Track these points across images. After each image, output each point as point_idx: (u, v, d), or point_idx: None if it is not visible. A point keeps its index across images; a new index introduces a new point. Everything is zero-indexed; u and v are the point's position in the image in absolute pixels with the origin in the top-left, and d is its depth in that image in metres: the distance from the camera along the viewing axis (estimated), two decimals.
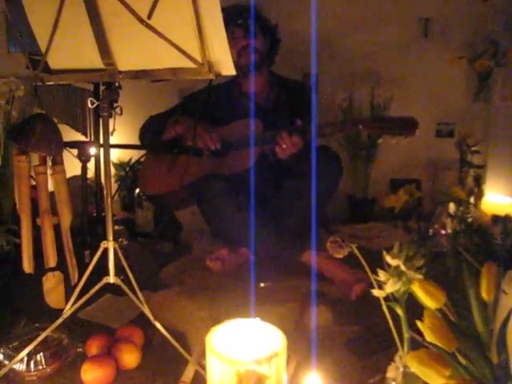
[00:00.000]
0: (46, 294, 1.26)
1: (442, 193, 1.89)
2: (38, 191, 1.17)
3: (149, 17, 0.97)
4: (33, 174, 1.19)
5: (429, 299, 0.85)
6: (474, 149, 2.23)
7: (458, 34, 2.38)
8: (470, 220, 1.66)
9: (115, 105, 1.16)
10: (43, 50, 1.15)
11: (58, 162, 1.20)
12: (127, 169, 2.34)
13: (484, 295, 0.86)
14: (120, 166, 2.37)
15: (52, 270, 1.24)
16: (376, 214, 2.47)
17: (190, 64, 0.99)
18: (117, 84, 1.11)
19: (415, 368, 0.68)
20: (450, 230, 1.55)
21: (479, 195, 2.04)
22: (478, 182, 2.15)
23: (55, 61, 1.17)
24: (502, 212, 1.74)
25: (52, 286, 1.25)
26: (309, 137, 1.62)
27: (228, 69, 0.99)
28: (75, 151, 1.69)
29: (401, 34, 2.44)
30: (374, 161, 2.46)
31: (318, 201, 1.52)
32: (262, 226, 1.64)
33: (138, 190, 2.07)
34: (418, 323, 0.76)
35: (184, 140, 1.81)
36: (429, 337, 0.73)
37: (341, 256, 0.99)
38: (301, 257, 1.67)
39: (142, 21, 0.98)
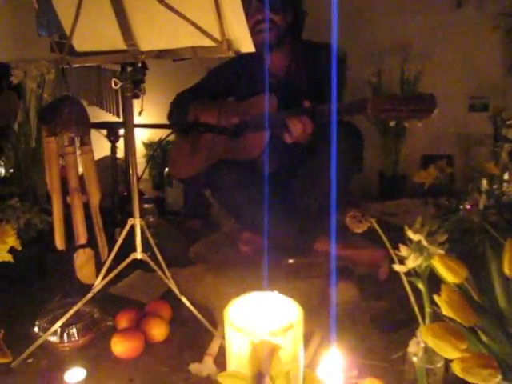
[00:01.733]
0: (78, 270, 1.32)
1: (475, 169, 1.83)
2: (68, 171, 1.22)
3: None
4: (62, 154, 1.23)
5: (450, 274, 0.84)
6: (509, 122, 2.15)
7: (492, 5, 2.27)
8: (501, 196, 1.63)
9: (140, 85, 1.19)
10: (68, 32, 1.18)
11: (85, 143, 1.25)
12: (156, 147, 2.39)
13: (506, 270, 0.84)
14: (150, 145, 2.42)
15: (83, 246, 1.29)
16: (407, 190, 2.44)
17: (209, 42, 1.00)
18: (140, 64, 1.13)
19: (429, 341, 0.68)
20: (481, 207, 1.52)
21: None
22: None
23: (80, 43, 1.20)
24: None
25: (83, 262, 1.30)
26: (320, 118, 1.56)
27: (248, 46, 0.99)
28: (105, 131, 1.73)
29: (433, 4, 2.35)
30: (405, 136, 2.41)
31: (337, 182, 1.50)
32: (275, 216, 1.60)
33: (167, 170, 2.11)
34: (435, 297, 0.76)
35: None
36: (446, 311, 0.73)
37: (360, 231, 0.99)
38: (315, 244, 1.65)
39: (161, 0, 0.99)
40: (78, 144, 1.25)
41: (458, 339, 0.67)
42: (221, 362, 1.13)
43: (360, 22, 2.32)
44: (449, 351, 0.67)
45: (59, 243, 1.26)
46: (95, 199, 1.27)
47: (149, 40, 1.10)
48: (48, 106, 1.25)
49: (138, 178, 1.23)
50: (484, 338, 0.78)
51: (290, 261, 1.65)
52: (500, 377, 0.66)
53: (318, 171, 1.61)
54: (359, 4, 2.22)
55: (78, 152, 1.26)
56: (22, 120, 1.92)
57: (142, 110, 1.26)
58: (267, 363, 0.61)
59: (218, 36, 0.98)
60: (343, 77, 1.83)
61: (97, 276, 1.26)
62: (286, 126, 1.51)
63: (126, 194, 1.88)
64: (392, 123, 1.36)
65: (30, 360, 1.15)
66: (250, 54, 1.51)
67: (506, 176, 1.97)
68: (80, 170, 1.32)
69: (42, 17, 1.30)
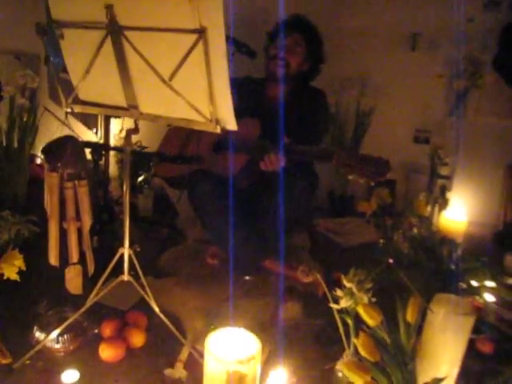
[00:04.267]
0: (68, 283, 1.57)
1: (408, 209, 2.20)
2: (66, 202, 1.46)
3: (170, 79, 1.24)
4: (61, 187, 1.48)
5: (369, 319, 1.19)
6: (443, 161, 2.54)
7: (442, 51, 2.64)
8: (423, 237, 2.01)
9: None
10: (75, 84, 1.41)
11: (82, 178, 1.49)
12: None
13: (409, 318, 1.20)
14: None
15: (73, 264, 1.55)
16: (353, 209, 2.81)
17: (201, 118, 1.27)
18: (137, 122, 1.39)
19: (345, 372, 1.02)
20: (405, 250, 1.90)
21: (444, 204, 2.38)
22: (444, 192, 2.48)
23: (84, 94, 1.43)
24: (457, 229, 2.09)
25: (73, 276, 1.56)
26: (293, 155, 1.85)
27: (232, 125, 1.27)
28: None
29: (391, 46, 2.69)
30: None
31: (291, 213, 1.82)
32: (237, 230, 1.87)
33: (140, 178, 2.36)
34: (354, 340, 1.10)
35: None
36: (360, 350, 1.07)
37: (307, 281, 1.33)
38: (264, 263, 1.97)
39: (164, 81, 1.25)
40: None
41: (365, 372, 1.02)
42: (190, 366, 1.45)
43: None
44: (358, 380, 1.02)
45: (53, 260, 1.51)
46: (87, 226, 1.53)
47: (148, 105, 1.34)
48: (52, 144, 1.47)
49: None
50: (389, 370, 1.14)
51: (247, 277, 1.97)
52: None
53: (277, 200, 1.93)
54: (323, 34, 2.52)
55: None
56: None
57: (122, 129, 1.52)
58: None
59: (208, 115, 1.26)
60: (328, 123, 2.15)
61: (83, 289, 1.55)
62: (264, 155, 1.80)
63: (102, 203, 2.11)
64: (350, 177, 1.63)
65: (27, 362, 1.42)
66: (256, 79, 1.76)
67: (436, 209, 2.37)
68: None
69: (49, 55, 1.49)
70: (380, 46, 2.70)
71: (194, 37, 1.13)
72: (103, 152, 1.90)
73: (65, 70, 1.45)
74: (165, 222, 2.34)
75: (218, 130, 1.27)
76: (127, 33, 1.22)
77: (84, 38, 1.29)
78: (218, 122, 1.27)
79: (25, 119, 2.07)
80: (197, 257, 2.09)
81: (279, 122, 2.00)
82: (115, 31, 1.22)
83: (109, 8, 1.20)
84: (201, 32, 1.12)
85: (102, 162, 1.98)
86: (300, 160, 1.88)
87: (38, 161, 2.58)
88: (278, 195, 1.90)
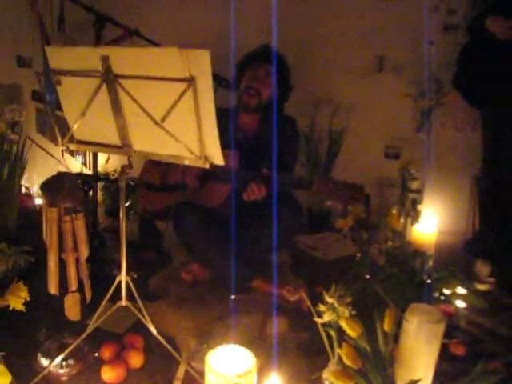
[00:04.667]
0: (67, 310, 1.68)
1: (382, 222, 2.37)
2: (65, 235, 1.58)
3: (162, 121, 1.38)
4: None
5: (350, 330, 1.34)
6: (413, 175, 2.73)
7: (407, 72, 2.85)
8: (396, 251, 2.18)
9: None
10: (70, 125, 1.53)
11: (78, 211, 1.61)
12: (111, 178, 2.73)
13: (386, 327, 1.36)
14: (104, 175, 2.75)
15: (72, 291, 1.66)
16: (331, 224, 2.98)
17: (190, 155, 1.41)
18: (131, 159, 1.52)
19: (331, 380, 1.17)
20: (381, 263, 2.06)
21: (416, 217, 2.56)
22: (415, 205, 2.66)
23: (79, 133, 1.55)
24: (428, 241, 2.27)
25: (72, 304, 1.67)
26: (272, 186, 1.98)
27: (219, 160, 1.41)
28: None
29: (359, 68, 2.89)
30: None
31: (277, 240, 1.97)
32: (225, 256, 2.01)
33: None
34: (338, 350, 1.25)
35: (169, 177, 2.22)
36: (344, 359, 1.22)
37: (293, 299, 1.47)
38: (253, 283, 2.12)
39: (156, 123, 1.38)
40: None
41: (349, 378, 1.17)
42: (187, 383, 1.57)
43: (297, 77, 2.80)
44: None
45: (53, 290, 1.61)
46: (84, 255, 1.64)
47: (141, 143, 1.47)
48: (50, 181, 1.59)
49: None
50: (370, 376, 1.29)
51: (233, 296, 2.11)
52: None
53: (262, 227, 2.08)
54: (296, 61, 2.69)
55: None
56: None
57: (108, 159, 1.64)
58: None
59: (197, 152, 1.40)
60: (299, 149, 2.30)
61: (81, 315, 1.66)
62: (246, 187, 1.94)
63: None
64: (329, 202, 1.83)
65: None
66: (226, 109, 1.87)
67: (408, 221, 2.55)
68: None
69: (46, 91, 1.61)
70: (349, 68, 2.89)
71: (184, 85, 1.28)
72: (93, 183, 2.01)
73: (59, 108, 1.57)
74: (151, 246, 2.46)
75: (207, 166, 1.42)
76: (122, 81, 1.35)
77: (80, 85, 1.42)
78: (206, 158, 1.41)
79: (14, 152, 2.17)
80: (180, 279, 2.22)
81: (255, 153, 2.16)
82: (110, 79, 1.35)
83: (104, 59, 1.33)
84: (190, 81, 1.27)
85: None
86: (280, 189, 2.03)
87: (23, 190, 2.67)
88: (264, 224, 2.05)
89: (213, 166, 1.41)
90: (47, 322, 1.79)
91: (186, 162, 1.43)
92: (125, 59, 1.33)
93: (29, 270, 1.94)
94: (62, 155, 2.07)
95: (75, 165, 2.40)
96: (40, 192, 1.84)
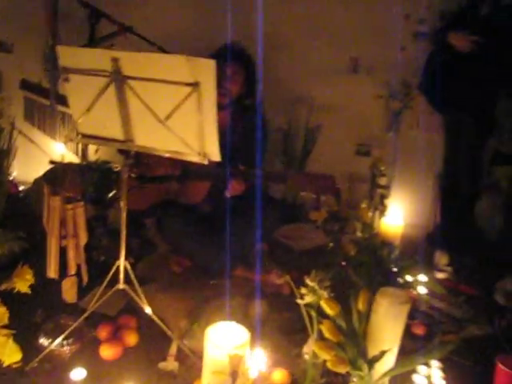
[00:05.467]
0: (65, 293, 1.83)
1: (352, 215, 2.61)
2: (67, 222, 1.72)
3: (166, 119, 1.54)
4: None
5: (329, 310, 1.55)
6: (382, 172, 2.98)
7: (380, 75, 3.08)
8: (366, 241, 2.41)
9: None
10: (76, 118, 1.66)
11: (79, 199, 1.75)
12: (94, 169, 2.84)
13: (360, 307, 1.58)
14: (88, 166, 2.86)
15: (71, 275, 1.81)
16: (304, 215, 3.20)
17: (190, 151, 1.58)
18: (133, 153, 1.67)
19: (316, 350, 1.38)
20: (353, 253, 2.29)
21: (383, 210, 2.81)
22: (383, 199, 2.91)
23: (84, 128, 1.68)
24: (395, 233, 2.51)
25: (69, 287, 1.82)
26: (251, 180, 2.12)
27: (217, 157, 1.58)
28: None
29: (335, 70, 3.11)
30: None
31: (259, 232, 2.16)
32: (208, 247, 2.20)
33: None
34: (320, 326, 1.46)
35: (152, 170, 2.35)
36: (325, 333, 1.44)
37: (280, 282, 1.68)
38: (234, 272, 2.30)
39: (160, 121, 1.54)
40: None
41: (330, 349, 1.38)
42: (179, 359, 1.75)
43: (274, 77, 2.99)
44: (325, 355, 1.38)
45: (53, 273, 1.76)
46: (83, 241, 1.79)
47: (143, 139, 1.63)
48: (53, 170, 1.72)
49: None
50: (347, 348, 1.50)
51: (212, 282, 2.29)
52: (349, 367, 1.39)
53: (243, 221, 2.25)
54: (273, 64, 2.87)
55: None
56: None
57: (98, 149, 1.79)
58: (237, 366, 1.25)
59: (197, 149, 1.56)
60: (267, 136, 2.47)
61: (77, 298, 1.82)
62: (227, 184, 2.10)
63: None
64: (303, 193, 2.00)
65: (35, 364, 1.66)
66: None
67: (377, 215, 2.79)
68: None
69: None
70: (325, 69, 3.10)
71: (189, 89, 1.44)
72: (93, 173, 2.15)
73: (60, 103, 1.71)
74: (136, 234, 2.60)
75: (206, 162, 1.58)
76: (130, 81, 1.50)
77: (88, 83, 1.56)
78: (205, 154, 1.58)
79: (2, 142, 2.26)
80: (169, 264, 2.39)
81: (229, 148, 2.31)
82: (119, 79, 1.50)
83: (115, 60, 1.48)
84: (195, 86, 1.44)
85: None
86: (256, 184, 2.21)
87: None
88: (245, 219, 2.23)
89: (210, 161, 1.58)
90: (43, 304, 1.92)
91: (185, 158, 1.60)
92: (134, 62, 1.48)
93: (21, 256, 2.06)
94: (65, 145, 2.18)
95: (64, 154, 2.51)
96: (41, 181, 1.95)
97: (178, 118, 1.52)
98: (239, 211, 2.25)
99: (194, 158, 1.58)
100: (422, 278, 2.41)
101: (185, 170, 2.27)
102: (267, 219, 2.26)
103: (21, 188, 2.78)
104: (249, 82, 2.40)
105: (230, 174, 2.10)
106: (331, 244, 2.69)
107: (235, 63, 2.33)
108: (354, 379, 1.54)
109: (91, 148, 2.46)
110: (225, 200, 2.17)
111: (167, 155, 1.62)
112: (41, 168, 2.36)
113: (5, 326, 1.66)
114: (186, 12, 3.14)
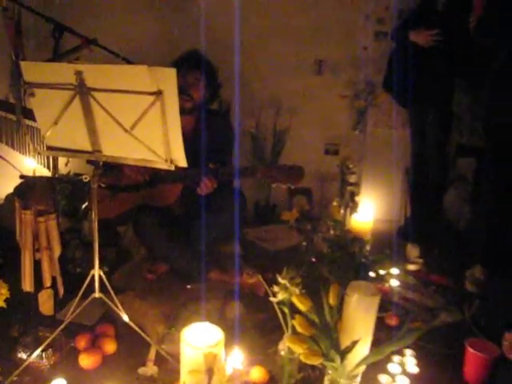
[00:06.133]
0: (41, 306, 1.84)
1: (324, 214, 2.69)
2: (39, 235, 1.74)
3: (131, 129, 1.58)
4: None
5: (301, 305, 1.61)
6: (351, 170, 3.07)
7: (344, 75, 3.18)
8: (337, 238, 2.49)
9: None
10: (43, 132, 1.69)
11: (50, 212, 1.78)
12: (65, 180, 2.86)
13: (331, 301, 1.64)
14: (58, 178, 2.87)
15: (47, 288, 1.83)
16: (276, 217, 3.27)
17: (157, 159, 1.63)
18: (101, 163, 1.71)
19: (289, 344, 1.45)
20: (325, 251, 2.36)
21: (354, 208, 2.90)
22: (353, 197, 3.01)
23: (51, 140, 1.71)
24: (365, 229, 2.60)
25: (46, 299, 1.84)
26: (221, 177, 2.23)
27: (182, 162, 1.63)
28: None
29: (300, 72, 3.19)
30: None
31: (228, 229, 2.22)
32: (182, 250, 2.27)
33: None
34: (292, 321, 1.53)
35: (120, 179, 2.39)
36: (298, 327, 1.50)
37: (252, 281, 1.73)
38: (209, 275, 2.36)
39: (126, 131, 1.59)
40: None
41: (303, 342, 1.44)
42: (158, 364, 1.79)
43: (243, 82, 3.06)
44: (298, 348, 1.44)
45: (29, 287, 1.77)
46: (57, 253, 1.81)
47: (111, 149, 1.67)
48: (23, 184, 1.74)
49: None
50: (319, 340, 1.57)
51: (188, 286, 2.34)
52: (322, 359, 1.45)
53: (215, 218, 2.32)
54: (239, 68, 2.94)
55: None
56: None
57: (68, 162, 1.82)
58: (212, 364, 1.30)
59: (163, 156, 1.61)
60: (233, 140, 2.55)
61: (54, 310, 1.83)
62: (198, 183, 2.17)
63: None
64: (274, 185, 2.11)
65: (15, 378, 1.68)
66: None
67: (347, 212, 2.88)
68: None
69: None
70: (291, 71, 3.19)
71: (152, 97, 1.49)
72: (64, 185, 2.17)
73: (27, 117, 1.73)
74: (110, 243, 2.63)
75: (173, 168, 1.64)
76: (94, 93, 1.54)
77: (53, 96, 1.59)
78: (172, 161, 1.63)
79: None
80: (142, 274, 2.43)
81: (195, 151, 2.37)
82: (83, 92, 1.54)
83: (79, 73, 1.52)
84: (158, 94, 1.49)
85: None
86: (227, 181, 2.28)
87: None
88: (216, 215, 2.30)
89: (177, 167, 1.63)
90: (20, 318, 1.94)
91: (153, 166, 1.65)
92: (98, 74, 1.52)
93: None
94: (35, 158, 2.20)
95: (34, 168, 2.53)
96: (12, 196, 1.97)
97: (143, 126, 1.56)
98: (212, 210, 2.31)
99: (162, 165, 1.63)
100: (394, 270, 2.50)
101: (154, 174, 2.32)
102: (238, 216, 2.33)
103: None
104: (211, 87, 2.47)
105: (202, 173, 2.16)
106: (304, 243, 2.77)
107: (195, 70, 2.39)
108: (330, 371, 1.60)
109: (61, 161, 2.49)
110: (197, 200, 2.23)
111: (135, 163, 1.67)
112: (12, 183, 2.37)
113: None
114: (150, 22, 3.19)
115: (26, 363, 1.68)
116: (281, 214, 2.92)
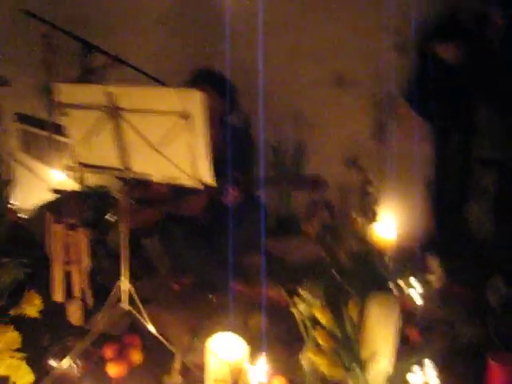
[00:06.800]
0: (70, 316, 1.94)
1: (345, 226, 2.73)
2: (70, 248, 1.84)
3: (160, 147, 1.66)
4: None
5: (322, 317, 1.67)
6: (372, 182, 3.11)
7: (364, 86, 3.23)
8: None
9: None
10: (75, 149, 1.79)
11: (79, 225, 1.87)
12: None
13: (351, 314, 1.70)
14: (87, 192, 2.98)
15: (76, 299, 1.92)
16: (298, 228, 3.32)
17: (185, 176, 1.70)
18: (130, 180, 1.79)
19: (311, 355, 1.51)
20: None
21: (374, 220, 2.93)
22: (374, 209, 3.04)
23: (83, 157, 1.81)
24: (387, 242, 2.63)
25: (75, 310, 1.93)
26: (245, 187, 2.32)
27: (210, 180, 1.70)
28: None
29: (320, 84, 3.25)
30: None
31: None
32: (207, 260, 2.35)
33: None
34: (315, 333, 1.58)
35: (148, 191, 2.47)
36: (320, 340, 1.56)
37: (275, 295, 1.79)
38: (237, 287, 2.41)
39: (155, 149, 1.67)
40: None
41: (324, 354, 1.50)
42: (183, 373, 1.86)
43: (261, 95, 3.12)
44: (319, 360, 1.50)
45: (60, 297, 1.87)
46: (86, 265, 1.91)
47: (140, 166, 1.75)
48: (57, 201, 1.84)
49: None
50: (341, 353, 1.62)
51: (210, 296, 2.41)
52: (343, 371, 1.51)
53: (238, 229, 2.38)
54: (259, 83, 3.01)
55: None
56: None
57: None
58: (238, 376, 1.37)
59: (191, 174, 1.68)
60: (254, 153, 2.62)
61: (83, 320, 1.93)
62: (223, 192, 2.24)
63: None
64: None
65: None
66: None
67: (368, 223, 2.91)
68: None
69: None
70: (311, 84, 3.25)
71: (180, 118, 1.57)
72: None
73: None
74: (135, 255, 2.71)
75: (201, 186, 1.71)
76: (124, 113, 1.63)
77: (85, 116, 1.69)
78: (200, 180, 1.70)
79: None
80: (169, 287, 2.52)
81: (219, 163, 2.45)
82: (114, 112, 1.63)
83: (109, 95, 1.61)
84: (186, 115, 1.56)
85: None
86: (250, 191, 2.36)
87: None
88: (239, 227, 2.37)
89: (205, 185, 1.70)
90: (50, 328, 2.03)
91: (181, 183, 1.72)
92: (128, 95, 1.61)
93: (26, 282, 2.16)
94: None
95: (62, 181, 2.64)
96: (44, 209, 2.07)
97: (171, 145, 1.64)
98: (236, 221, 2.38)
99: (189, 183, 1.71)
100: (414, 281, 2.52)
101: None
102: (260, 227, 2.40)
103: (20, 215, 2.91)
104: (229, 102, 2.54)
105: (227, 183, 2.24)
106: (326, 256, 2.81)
107: (210, 87, 2.41)
108: (351, 383, 1.65)
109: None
110: (223, 210, 2.30)
111: (163, 181, 1.75)
112: (40, 195, 2.48)
113: (17, 350, 1.76)
114: (171, 37, 3.29)
115: (56, 371, 1.77)
116: (302, 225, 2.97)
